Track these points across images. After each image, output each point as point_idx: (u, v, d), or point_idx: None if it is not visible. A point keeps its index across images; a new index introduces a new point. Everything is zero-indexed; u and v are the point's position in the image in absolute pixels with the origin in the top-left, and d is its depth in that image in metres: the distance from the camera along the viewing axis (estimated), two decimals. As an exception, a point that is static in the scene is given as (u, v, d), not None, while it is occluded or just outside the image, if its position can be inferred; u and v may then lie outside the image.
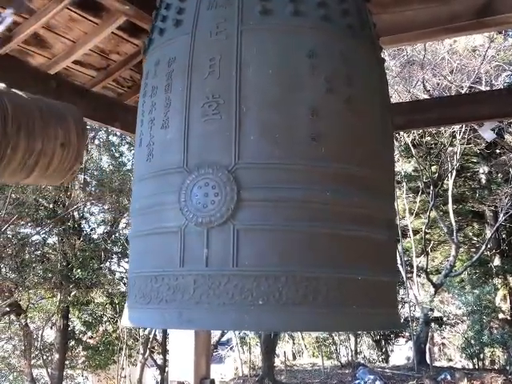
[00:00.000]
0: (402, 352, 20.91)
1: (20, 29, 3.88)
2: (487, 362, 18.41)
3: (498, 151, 17.39)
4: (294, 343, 21.90)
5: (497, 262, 18.01)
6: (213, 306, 2.00)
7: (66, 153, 1.33)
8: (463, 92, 13.71)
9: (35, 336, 15.27)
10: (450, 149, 16.30)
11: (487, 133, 5.68)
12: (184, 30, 2.29)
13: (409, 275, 17.52)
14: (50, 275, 14.16)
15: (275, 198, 2.06)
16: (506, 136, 15.93)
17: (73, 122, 1.36)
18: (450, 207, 16.63)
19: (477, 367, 17.19)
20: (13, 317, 14.80)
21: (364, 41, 2.41)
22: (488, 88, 14.19)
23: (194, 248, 2.08)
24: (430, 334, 17.82)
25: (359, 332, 17.89)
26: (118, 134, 14.13)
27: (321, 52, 2.20)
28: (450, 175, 16.77)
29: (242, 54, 2.15)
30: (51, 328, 16.10)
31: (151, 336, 15.61)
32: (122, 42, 4.46)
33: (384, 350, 20.23)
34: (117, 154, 15.95)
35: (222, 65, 2.16)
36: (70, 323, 15.92)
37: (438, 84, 14.70)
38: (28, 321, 14.95)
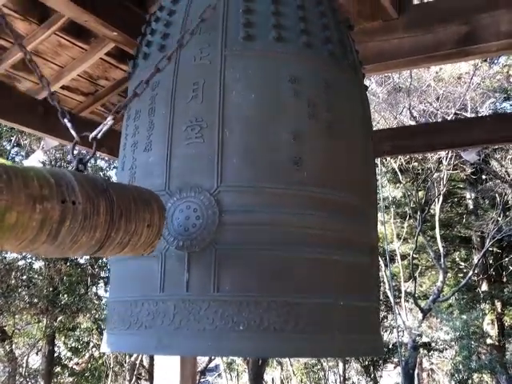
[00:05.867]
0: (390, 378, 20.75)
1: (8, 54, 3.91)
2: (476, 388, 18.34)
3: (484, 177, 17.53)
4: (282, 369, 21.69)
5: (484, 287, 18.01)
6: (193, 332, 1.97)
7: (150, 231, 1.60)
8: (449, 118, 13.86)
9: (20, 362, 15.04)
10: (437, 174, 16.40)
11: (470, 155, 5.78)
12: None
13: (397, 300, 17.49)
14: (35, 300, 14.00)
15: (257, 222, 2.06)
16: (492, 162, 16.08)
17: (156, 206, 1.64)
18: (438, 232, 16.67)
19: (465, 393, 17.11)
20: (-3, 343, 14.59)
21: (346, 68, 2.45)
22: (473, 115, 14.35)
23: (174, 272, 2.06)
24: (418, 359, 17.72)
25: (347, 358, 17.76)
26: (106, 158, 14.12)
27: (303, 78, 2.23)
28: (436, 200, 16.84)
29: (225, 78, 2.18)
30: (37, 354, 15.89)
31: (138, 362, 15.43)
32: (110, 68, 4.49)
33: (373, 375, 20.06)
34: (104, 179, 15.90)
35: (205, 89, 2.18)
36: (55, 349, 15.71)
37: (425, 110, 14.84)
38: (13, 346, 14.73)
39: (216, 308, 1.97)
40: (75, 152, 1.77)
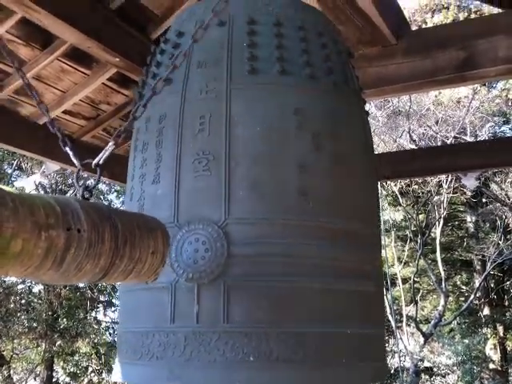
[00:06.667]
0: (392, 403, 20.52)
1: (10, 79, 3.94)
2: (479, 414, 18.11)
3: (484, 200, 17.53)
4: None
5: (486, 311, 17.90)
6: (203, 363, 1.99)
7: (154, 258, 1.60)
8: (448, 142, 13.92)
9: (18, 388, 14.90)
10: (437, 197, 16.40)
11: (470, 181, 5.79)
12: (174, 88, 2.33)
13: (398, 324, 17.37)
14: (34, 325, 13.92)
15: (265, 254, 2.07)
16: (492, 185, 16.11)
17: (160, 233, 1.64)
18: (438, 256, 16.61)
19: (468, 419, 16.89)
20: (-5, 368, 14.45)
21: (348, 96, 2.48)
22: (473, 138, 14.42)
23: (184, 304, 2.08)
24: (420, 384, 17.56)
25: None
26: (107, 182, 14.15)
27: (307, 109, 2.26)
28: (437, 224, 16.82)
29: (231, 111, 2.20)
30: (35, 379, 15.74)
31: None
32: (111, 93, 4.53)
33: (374, 401, 19.82)
34: (105, 202, 15.95)
35: (211, 122, 2.21)
36: (54, 374, 15.56)
37: (424, 134, 14.91)
38: (11, 372, 14.60)
39: (226, 339, 1.99)
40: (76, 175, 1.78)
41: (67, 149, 1.85)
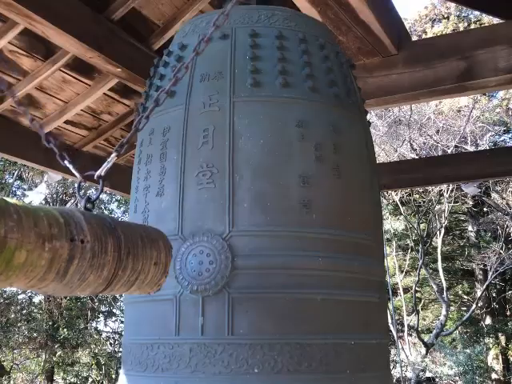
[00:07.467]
0: (394, 414, 20.41)
1: (13, 90, 3.95)
2: (481, 425, 18.00)
3: (485, 209, 17.53)
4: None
5: (488, 320, 17.84)
6: (208, 375, 2.00)
7: (157, 269, 1.59)
8: (449, 151, 13.94)
9: (18, 398, 14.83)
10: (438, 207, 16.40)
11: (470, 188, 5.82)
12: (178, 100, 2.34)
13: (400, 334, 17.32)
14: (35, 335, 13.89)
15: (269, 266, 2.08)
16: (493, 194, 16.11)
17: (162, 244, 1.63)
18: (440, 265, 16.59)
19: (471, 430, 16.79)
20: (-5, 378, 14.40)
21: (350, 108, 2.49)
22: (473, 147, 14.44)
23: (189, 316, 2.09)
24: (422, 395, 17.47)
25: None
26: (108, 191, 14.16)
27: (310, 122, 2.27)
28: (438, 233, 16.81)
29: (234, 124, 2.22)
30: (35, 390, 15.67)
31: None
32: (113, 103, 4.54)
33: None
34: (106, 212, 15.96)
35: (215, 135, 2.22)
36: (54, 385, 15.52)
37: (425, 143, 14.93)
38: (11, 382, 14.54)
39: (231, 351, 2.00)
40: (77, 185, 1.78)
41: (66, 162, 1.85)
